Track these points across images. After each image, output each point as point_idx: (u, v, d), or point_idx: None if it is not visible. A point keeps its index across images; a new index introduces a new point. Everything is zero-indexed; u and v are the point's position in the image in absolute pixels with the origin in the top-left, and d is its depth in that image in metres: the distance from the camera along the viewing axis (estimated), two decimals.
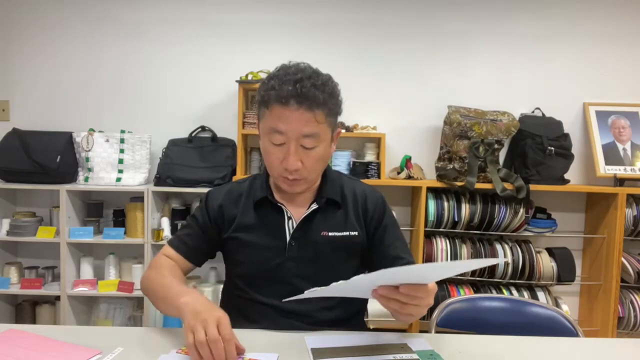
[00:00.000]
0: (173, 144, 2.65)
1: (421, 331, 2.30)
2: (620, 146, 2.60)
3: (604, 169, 2.55)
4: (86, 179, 2.54)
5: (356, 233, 1.21)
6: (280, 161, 1.11)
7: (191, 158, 2.58)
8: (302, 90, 1.05)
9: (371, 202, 1.24)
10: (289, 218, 1.20)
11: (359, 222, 1.22)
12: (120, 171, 2.55)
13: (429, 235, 2.52)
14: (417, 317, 0.93)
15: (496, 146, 2.46)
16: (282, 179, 1.14)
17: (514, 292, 2.48)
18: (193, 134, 2.70)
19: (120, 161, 2.55)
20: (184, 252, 1.23)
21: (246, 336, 1.02)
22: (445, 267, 1.01)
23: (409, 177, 2.51)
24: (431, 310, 1.25)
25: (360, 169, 2.52)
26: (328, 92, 1.09)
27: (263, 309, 1.18)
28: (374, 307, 2.43)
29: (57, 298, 2.55)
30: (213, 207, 1.24)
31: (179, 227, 2.54)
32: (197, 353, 0.85)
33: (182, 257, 1.23)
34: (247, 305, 1.20)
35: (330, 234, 1.19)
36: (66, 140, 2.55)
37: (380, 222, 1.24)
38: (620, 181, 2.50)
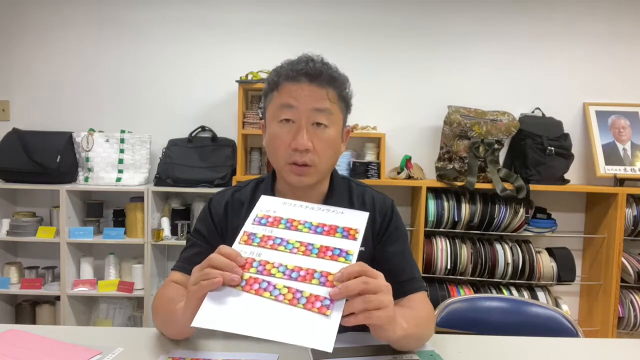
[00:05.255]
0: (173, 144, 2.65)
1: None
2: (620, 146, 2.60)
3: (604, 169, 2.55)
4: (86, 179, 2.54)
5: (363, 248, 1.06)
6: (289, 143, 1.02)
7: (191, 158, 2.58)
8: (314, 67, 1.03)
9: (380, 213, 1.14)
10: None
11: (366, 235, 1.07)
12: (120, 171, 2.55)
13: (429, 235, 2.52)
14: (386, 320, 0.80)
15: (496, 146, 2.46)
16: (289, 167, 1.04)
17: (514, 292, 2.48)
18: (193, 134, 2.70)
19: (120, 161, 2.55)
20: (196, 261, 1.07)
21: (245, 336, 1.02)
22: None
23: (409, 177, 2.51)
24: None
25: (360, 169, 2.52)
26: (340, 78, 1.07)
27: None
28: None
29: (57, 298, 2.55)
30: (218, 214, 1.14)
31: (179, 227, 2.54)
32: (206, 275, 0.79)
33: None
34: None
35: None
36: (66, 140, 2.55)
37: (384, 234, 1.13)
38: (620, 181, 2.50)
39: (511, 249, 2.48)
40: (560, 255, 2.53)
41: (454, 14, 2.72)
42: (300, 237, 0.88)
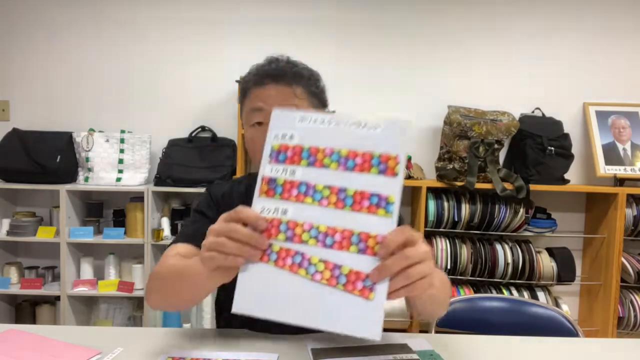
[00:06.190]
0: (173, 144, 2.65)
1: (421, 331, 2.31)
2: (620, 146, 2.60)
3: (604, 169, 2.55)
4: (86, 179, 2.54)
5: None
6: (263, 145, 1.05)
7: (191, 158, 2.58)
8: (277, 66, 1.05)
9: None
10: None
11: None
12: (120, 171, 2.55)
13: (429, 236, 2.52)
14: (427, 288, 0.72)
15: (496, 146, 2.46)
16: None
17: (514, 292, 2.48)
18: (193, 134, 2.70)
19: (120, 161, 2.55)
20: (199, 243, 1.01)
21: (245, 336, 1.02)
22: None
23: (409, 177, 2.51)
24: None
25: None
26: (307, 73, 1.07)
27: (260, 321, 1.07)
28: None
29: (57, 298, 2.55)
30: (217, 196, 1.15)
31: (179, 227, 2.54)
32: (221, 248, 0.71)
33: (198, 249, 0.94)
34: (246, 318, 1.14)
35: None
36: (66, 140, 2.55)
37: None
38: (620, 181, 2.50)
39: (511, 249, 2.48)
40: (560, 255, 2.53)
41: (453, 14, 2.72)
42: (328, 178, 0.73)
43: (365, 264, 0.69)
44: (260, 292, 0.70)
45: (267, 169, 0.76)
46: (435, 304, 0.93)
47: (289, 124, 0.78)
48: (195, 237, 0.99)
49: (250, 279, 0.71)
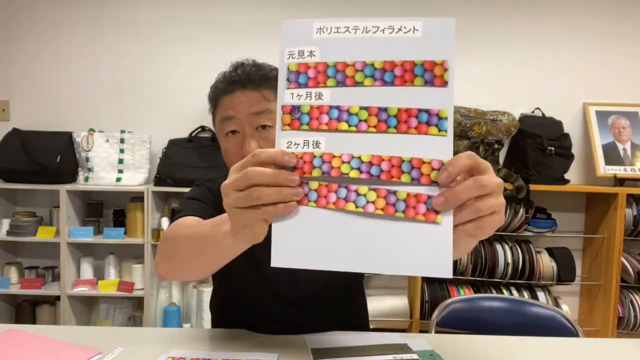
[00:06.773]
0: (173, 144, 2.65)
1: (421, 331, 2.31)
2: (620, 146, 2.60)
3: (604, 169, 2.55)
4: (86, 179, 2.54)
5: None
6: (239, 154, 1.00)
7: (191, 158, 2.58)
8: (243, 72, 1.05)
9: None
10: None
11: None
12: (120, 171, 2.55)
13: None
14: (497, 226, 0.61)
15: (496, 146, 2.46)
16: None
17: (514, 292, 2.48)
18: (193, 134, 2.70)
19: (120, 161, 2.55)
20: (202, 216, 0.94)
21: (245, 336, 1.02)
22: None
23: None
24: (431, 310, 1.23)
25: None
26: (274, 74, 1.05)
27: (259, 323, 1.07)
28: (373, 306, 2.44)
29: (57, 298, 2.55)
30: (213, 190, 1.13)
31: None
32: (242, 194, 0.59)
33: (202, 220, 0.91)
34: (241, 316, 1.14)
35: None
36: (66, 140, 2.55)
37: None
38: (620, 181, 2.50)
39: (511, 249, 2.48)
40: (560, 255, 2.53)
41: (453, 14, 2.72)
42: (363, 97, 0.60)
43: (422, 191, 0.58)
44: (302, 239, 0.59)
45: (286, 96, 0.62)
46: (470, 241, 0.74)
47: (305, 38, 0.64)
48: (193, 211, 0.97)
49: (287, 227, 0.59)
